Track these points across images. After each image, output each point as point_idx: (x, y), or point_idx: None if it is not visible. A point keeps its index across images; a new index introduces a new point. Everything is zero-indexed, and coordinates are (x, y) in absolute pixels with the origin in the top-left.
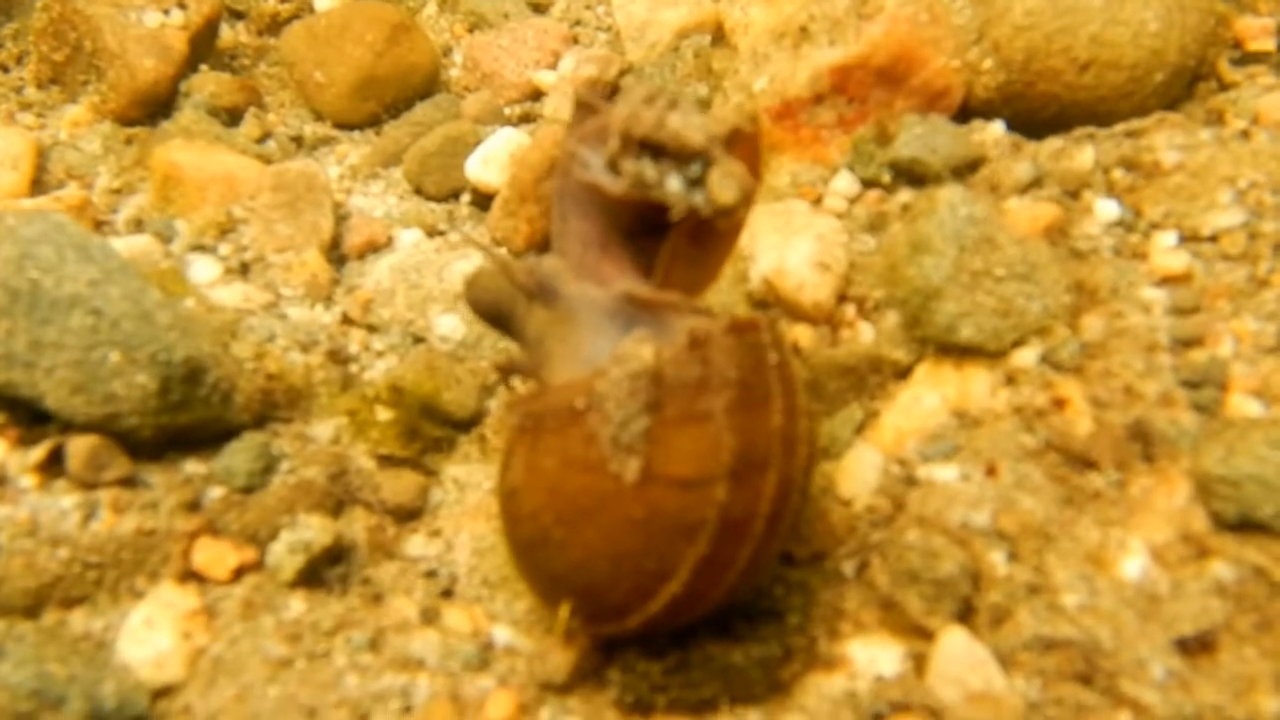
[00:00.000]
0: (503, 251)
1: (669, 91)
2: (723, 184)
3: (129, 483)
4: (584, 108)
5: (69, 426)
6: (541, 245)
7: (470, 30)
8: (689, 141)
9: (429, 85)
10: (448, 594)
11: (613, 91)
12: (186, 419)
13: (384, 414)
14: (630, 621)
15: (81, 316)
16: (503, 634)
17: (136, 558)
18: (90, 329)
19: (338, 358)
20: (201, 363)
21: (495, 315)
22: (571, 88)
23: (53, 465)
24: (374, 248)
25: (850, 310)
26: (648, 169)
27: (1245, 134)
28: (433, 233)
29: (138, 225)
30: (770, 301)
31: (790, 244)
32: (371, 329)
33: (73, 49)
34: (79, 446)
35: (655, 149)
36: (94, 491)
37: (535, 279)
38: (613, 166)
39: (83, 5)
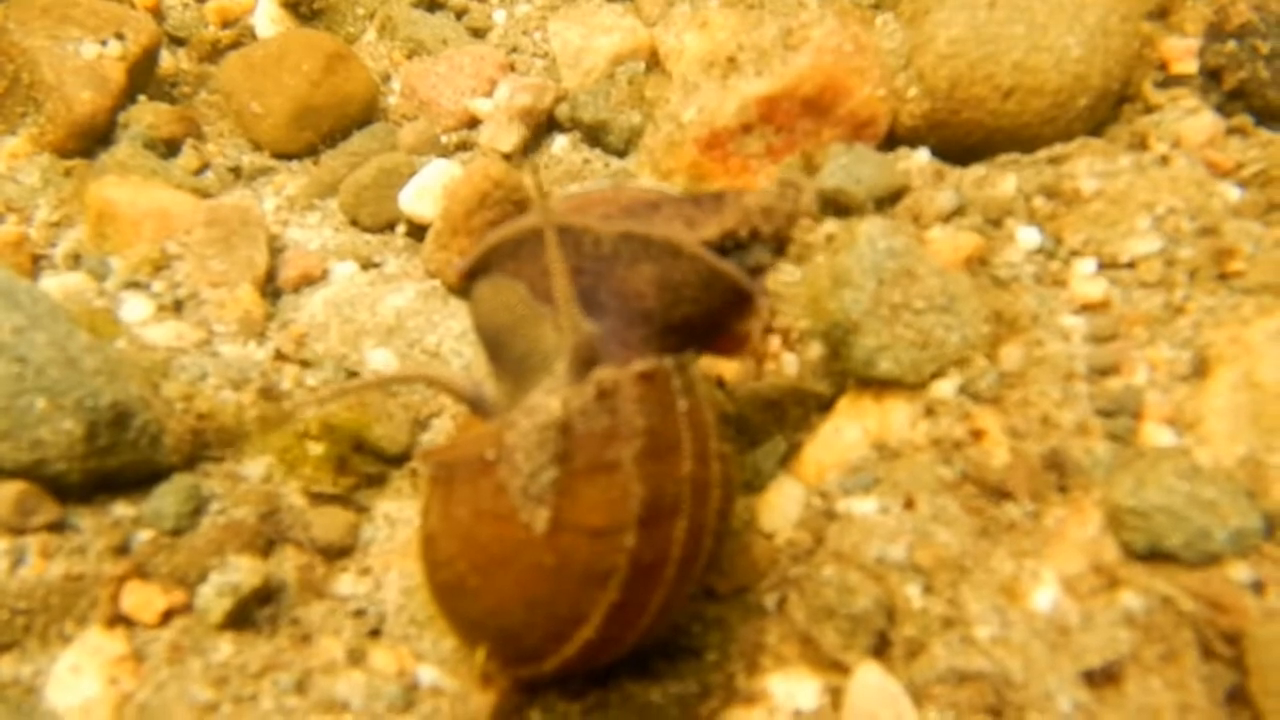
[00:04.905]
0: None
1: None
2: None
3: (57, 527)
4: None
5: None
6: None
7: (409, 57)
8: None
9: (367, 114)
10: (375, 633)
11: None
12: (115, 463)
13: (315, 449)
14: (546, 665)
15: (6, 364)
16: (428, 674)
17: (65, 602)
18: (15, 376)
19: (270, 394)
20: (129, 406)
21: (495, 339)
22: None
23: None
24: (309, 281)
25: (776, 342)
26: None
27: (1165, 159)
28: (367, 265)
29: (75, 260)
30: None
31: None
32: (304, 364)
33: (10, 80)
34: (6, 493)
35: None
36: (22, 537)
37: (585, 349)
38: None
39: (19, 37)
